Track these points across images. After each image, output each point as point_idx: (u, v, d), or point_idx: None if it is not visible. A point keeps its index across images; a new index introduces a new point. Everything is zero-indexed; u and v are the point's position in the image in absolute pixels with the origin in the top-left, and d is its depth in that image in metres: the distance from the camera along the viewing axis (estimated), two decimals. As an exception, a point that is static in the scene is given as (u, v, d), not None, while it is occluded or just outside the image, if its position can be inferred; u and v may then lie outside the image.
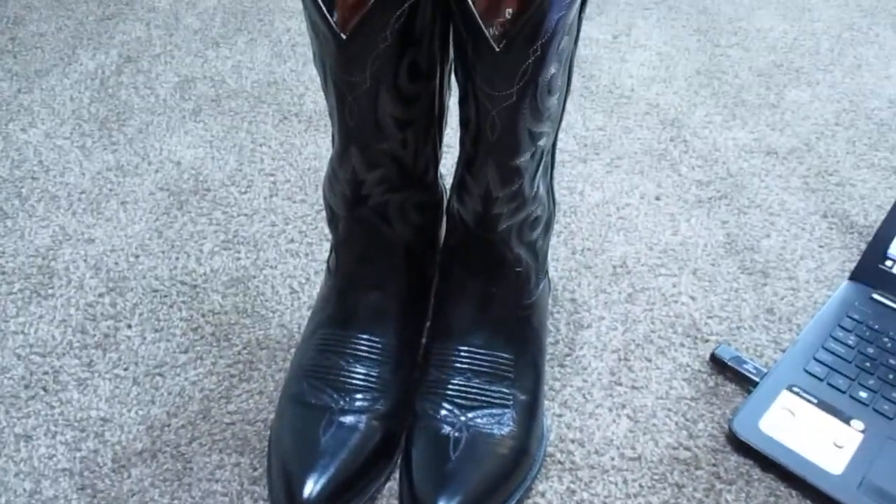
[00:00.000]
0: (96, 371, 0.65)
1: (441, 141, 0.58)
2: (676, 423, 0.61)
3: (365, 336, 0.57)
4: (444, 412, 0.55)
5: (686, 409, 0.62)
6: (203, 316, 0.69)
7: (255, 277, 0.73)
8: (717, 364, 0.65)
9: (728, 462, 0.59)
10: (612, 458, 0.59)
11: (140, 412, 0.62)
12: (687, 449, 0.59)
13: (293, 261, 0.75)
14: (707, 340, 0.68)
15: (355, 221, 0.56)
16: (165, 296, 0.71)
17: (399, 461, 0.57)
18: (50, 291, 0.72)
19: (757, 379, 0.62)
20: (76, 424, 0.61)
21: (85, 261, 0.75)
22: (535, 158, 0.52)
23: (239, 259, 0.75)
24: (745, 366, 0.64)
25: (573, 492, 0.57)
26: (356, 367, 0.56)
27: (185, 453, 0.59)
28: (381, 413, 0.55)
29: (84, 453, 0.59)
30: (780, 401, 0.61)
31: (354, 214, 0.56)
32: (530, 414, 0.56)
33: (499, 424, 0.54)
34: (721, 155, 0.89)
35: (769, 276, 0.74)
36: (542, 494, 0.56)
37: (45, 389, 0.64)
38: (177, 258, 0.75)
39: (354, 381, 0.56)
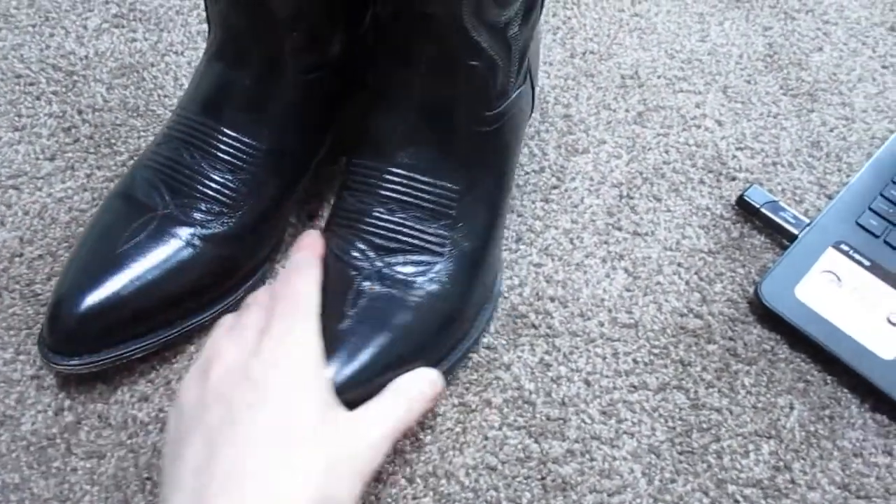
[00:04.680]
0: (-69, 178, 0.49)
1: None
2: (687, 283, 0.48)
3: (229, 132, 0.42)
4: (355, 252, 0.40)
5: (701, 264, 0.48)
6: (80, 113, 0.53)
7: (153, 66, 0.55)
8: (746, 209, 0.50)
9: (749, 336, 0.46)
10: (602, 324, 0.46)
11: (-15, 236, 0.47)
12: (698, 317, 0.46)
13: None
14: (734, 178, 0.53)
15: None
16: (31, 83, 0.54)
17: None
18: None
19: (796, 232, 0.48)
20: None
21: (-71, 32, 0.56)
22: None
23: (134, 41, 0.57)
24: (782, 214, 0.49)
25: (548, 365, 0.44)
26: (205, 168, 0.41)
27: (41, 294, 0.44)
28: (218, 236, 0.41)
29: None
30: (824, 261, 0.47)
31: None
32: (473, 268, 0.42)
33: (423, 276, 0.40)
34: (769, -58, 0.70)
35: (817, 101, 0.58)
36: (508, 367, 0.44)
37: None
38: (51, 35, 0.57)
39: (197, 186, 0.41)
